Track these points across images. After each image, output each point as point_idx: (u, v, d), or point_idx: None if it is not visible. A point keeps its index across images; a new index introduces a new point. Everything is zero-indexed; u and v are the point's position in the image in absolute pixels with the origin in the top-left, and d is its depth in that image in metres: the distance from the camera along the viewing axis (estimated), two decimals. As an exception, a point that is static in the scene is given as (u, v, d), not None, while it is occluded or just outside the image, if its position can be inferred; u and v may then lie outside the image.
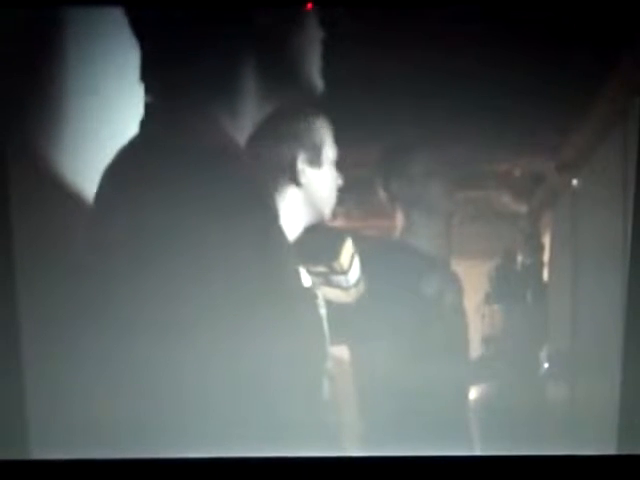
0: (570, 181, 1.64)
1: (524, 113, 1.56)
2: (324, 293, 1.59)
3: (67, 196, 1.53)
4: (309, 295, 1.58)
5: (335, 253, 1.59)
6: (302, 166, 1.57)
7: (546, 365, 1.66)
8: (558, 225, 1.66)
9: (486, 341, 1.66)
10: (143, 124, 1.51)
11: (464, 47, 1.54)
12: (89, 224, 1.52)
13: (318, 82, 1.54)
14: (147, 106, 1.52)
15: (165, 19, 1.52)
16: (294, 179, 1.57)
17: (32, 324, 1.56)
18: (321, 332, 1.58)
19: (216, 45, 1.52)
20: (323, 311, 1.59)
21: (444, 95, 1.56)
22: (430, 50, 1.55)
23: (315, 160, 1.58)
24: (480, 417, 1.67)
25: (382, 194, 1.65)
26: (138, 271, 1.49)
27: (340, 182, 1.60)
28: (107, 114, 1.54)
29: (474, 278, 1.65)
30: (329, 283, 1.60)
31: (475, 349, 1.65)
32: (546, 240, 1.66)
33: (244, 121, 1.53)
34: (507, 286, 1.64)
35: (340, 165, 1.60)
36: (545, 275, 1.66)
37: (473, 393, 1.68)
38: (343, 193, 1.61)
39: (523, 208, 1.64)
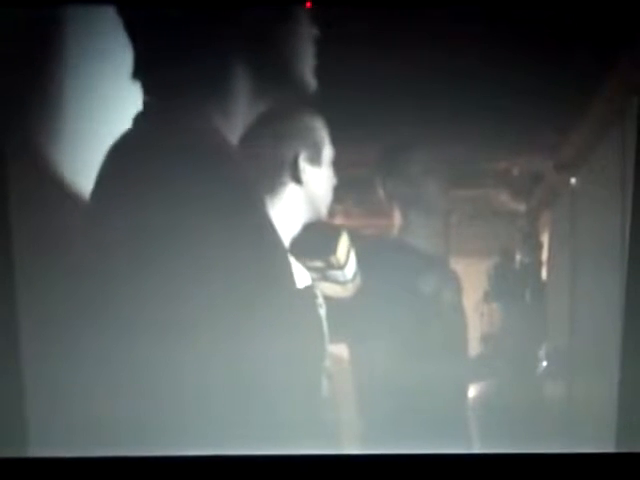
0: (568, 180, 1.65)
1: (523, 112, 1.56)
2: (321, 289, 1.59)
3: (66, 195, 1.53)
4: (307, 292, 1.58)
5: (331, 248, 1.59)
6: (303, 164, 1.58)
7: (544, 363, 1.66)
8: (556, 224, 1.67)
9: (485, 339, 1.66)
10: (138, 123, 1.51)
11: (463, 46, 1.54)
12: (86, 224, 1.52)
13: (311, 81, 1.54)
14: (142, 105, 1.52)
15: (159, 18, 1.52)
16: (295, 177, 1.58)
17: (31, 322, 1.56)
18: (319, 330, 1.58)
19: (209, 44, 1.52)
20: (321, 308, 1.60)
21: (443, 94, 1.56)
22: (429, 49, 1.55)
23: (315, 158, 1.59)
24: (479, 415, 1.67)
25: (381, 193, 1.65)
26: (136, 271, 1.49)
27: (339, 180, 1.61)
28: (106, 113, 1.54)
29: (473, 277, 1.65)
30: (326, 278, 1.60)
31: (474, 347, 1.66)
32: (544, 239, 1.66)
33: (237, 120, 1.54)
34: (505, 285, 1.65)
35: (339, 164, 1.60)
36: (543, 274, 1.66)
37: (472, 391, 1.68)
38: (342, 191, 1.61)
39: (521, 207, 1.64)
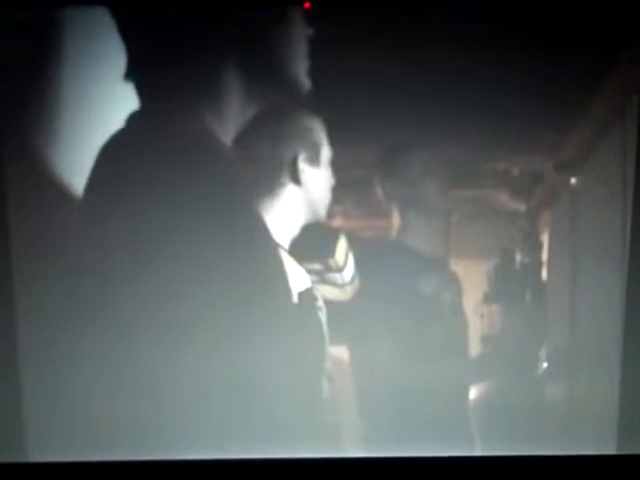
0: (569, 180, 1.64)
1: (522, 112, 1.55)
2: (320, 291, 1.59)
3: (64, 196, 1.53)
4: (306, 294, 1.58)
5: (330, 250, 1.59)
6: (302, 165, 1.57)
7: (545, 364, 1.65)
8: (557, 224, 1.66)
9: (485, 340, 1.65)
10: (131, 125, 1.51)
11: (463, 46, 1.54)
12: (82, 225, 1.52)
13: (306, 82, 1.54)
14: (136, 106, 1.52)
15: (153, 19, 1.51)
16: (294, 178, 1.57)
17: (30, 326, 1.55)
18: (319, 332, 1.58)
19: (202, 45, 1.52)
20: (321, 311, 1.59)
21: (442, 94, 1.56)
22: (429, 49, 1.55)
23: (314, 159, 1.58)
24: (479, 417, 1.67)
25: (380, 193, 1.65)
26: (134, 273, 1.49)
27: (338, 181, 1.60)
28: (105, 114, 1.53)
29: (473, 277, 1.64)
30: (325, 281, 1.60)
31: (474, 349, 1.65)
32: (544, 239, 1.65)
33: (231, 121, 1.53)
34: (506, 285, 1.64)
35: (338, 164, 1.59)
36: (544, 274, 1.65)
37: (472, 393, 1.67)
38: (341, 192, 1.61)
39: (522, 207, 1.64)
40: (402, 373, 1.62)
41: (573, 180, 1.64)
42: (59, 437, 1.57)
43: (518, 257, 1.65)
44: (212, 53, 1.52)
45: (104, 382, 1.54)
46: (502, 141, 1.61)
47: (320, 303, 1.59)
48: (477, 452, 1.63)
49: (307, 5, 1.55)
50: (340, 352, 1.63)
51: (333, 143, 1.59)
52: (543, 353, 1.66)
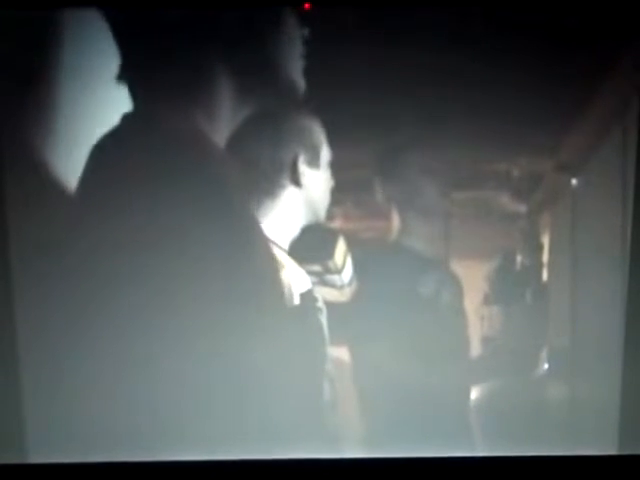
0: (569, 181, 1.64)
1: (523, 113, 1.55)
2: (319, 292, 1.59)
3: (63, 197, 1.53)
4: (306, 296, 1.58)
5: (329, 252, 1.59)
6: (302, 167, 1.57)
7: (546, 365, 1.65)
8: (557, 225, 1.66)
9: (486, 341, 1.65)
10: (123, 125, 1.51)
11: (463, 47, 1.54)
12: (79, 225, 1.51)
13: (300, 83, 1.53)
14: (129, 107, 1.52)
15: (145, 19, 1.51)
16: (294, 180, 1.57)
17: (30, 326, 1.55)
18: (320, 334, 1.58)
19: (193, 45, 1.51)
20: (321, 312, 1.59)
21: (442, 95, 1.56)
22: (429, 50, 1.55)
23: (314, 161, 1.58)
24: (480, 418, 1.67)
25: (380, 195, 1.64)
26: (134, 273, 1.49)
27: (338, 183, 1.60)
28: (104, 114, 1.53)
29: (473, 278, 1.64)
30: (323, 282, 1.60)
31: (475, 349, 1.65)
32: (545, 240, 1.65)
33: (222, 121, 1.53)
34: (506, 286, 1.64)
35: (338, 166, 1.59)
36: (544, 275, 1.65)
37: (473, 394, 1.67)
38: (341, 194, 1.61)
39: (522, 208, 1.64)
40: (403, 374, 1.62)
41: (573, 181, 1.64)
42: (59, 438, 1.57)
43: (518, 258, 1.64)
44: (203, 53, 1.51)
45: (104, 383, 1.54)
46: (502, 142, 1.61)
47: (320, 304, 1.59)
48: (478, 453, 1.63)
49: (307, 6, 1.56)
50: (341, 353, 1.63)
51: (333, 144, 1.59)
52: (544, 354, 1.66)
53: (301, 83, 1.53)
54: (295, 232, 1.60)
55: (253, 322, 1.51)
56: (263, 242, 1.54)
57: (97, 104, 1.54)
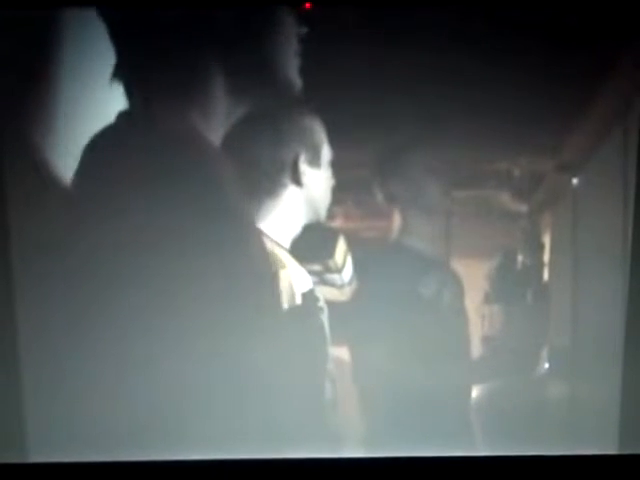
0: (570, 180, 1.64)
1: (524, 112, 1.55)
2: (319, 292, 1.59)
3: (63, 196, 1.52)
4: (308, 295, 1.58)
5: (329, 251, 1.59)
6: (303, 166, 1.57)
7: (547, 365, 1.65)
8: (558, 224, 1.66)
9: (486, 341, 1.65)
10: (117, 123, 1.51)
11: (464, 46, 1.53)
12: (78, 224, 1.51)
13: (295, 81, 1.53)
14: (125, 105, 1.52)
15: (142, 19, 1.51)
16: (295, 179, 1.57)
17: (30, 326, 1.55)
18: (321, 333, 1.58)
19: (187, 43, 1.51)
20: (322, 311, 1.59)
21: (443, 94, 1.55)
22: (429, 49, 1.54)
23: (315, 160, 1.58)
24: (481, 417, 1.67)
25: (381, 194, 1.64)
26: (134, 273, 1.49)
27: (339, 182, 1.60)
28: (103, 114, 1.53)
29: (473, 278, 1.64)
30: (324, 282, 1.60)
31: (475, 349, 1.65)
32: (546, 239, 1.65)
33: (217, 119, 1.52)
34: (507, 286, 1.64)
35: (339, 165, 1.59)
36: (545, 274, 1.65)
37: (474, 393, 1.67)
38: (342, 193, 1.61)
39: (523, 207, 1.64)
40: (403, 373, 1.62)
41: (574, 181, 1.64)
42: (59, 438, 1.57)
43: (519, 257, 1.64)
44: (200, 53, 1.51)
45: (104, 383, 1.54)
46: (503, 141, 1.61)
47: (321, 304, 1.59)
48: (479, 452, 1.63)
49: (308, 5, 1.55)
50: (341, 353, 1.63)
51: (334, 144, 1.58)
52: (544, 353, 1.66)
53: (300, 82, 1.53)
54: (296, 231, 1.60)
55: (254, 322, 1.51)
56: (262, 241, 1.54)
57: (98, 104, 1.53)
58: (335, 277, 1.60)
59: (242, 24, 1.51)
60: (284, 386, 1.55)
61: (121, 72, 1.51)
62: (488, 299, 1.65)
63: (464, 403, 1.67)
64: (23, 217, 1.54)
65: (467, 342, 1.65)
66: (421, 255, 1.66)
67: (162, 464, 1.54)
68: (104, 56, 1.52)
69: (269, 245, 1.54)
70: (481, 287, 1.64)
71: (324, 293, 1.59)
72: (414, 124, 1.58)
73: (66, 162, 1.53)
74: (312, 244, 1.60)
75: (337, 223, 1.62)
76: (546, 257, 1.65)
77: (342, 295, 1.61)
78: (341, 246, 1.60)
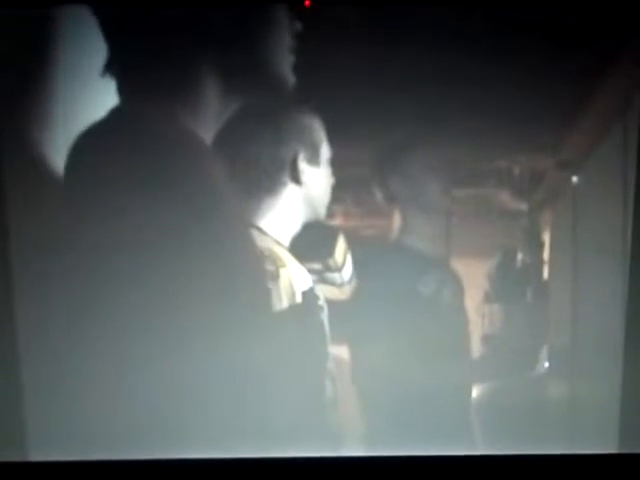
0: (570, 178, 1.64)
1: (524, 111, 1.55)
2: (319, 291, 1.59)
3: (60, 196, 1.53)
4: (307, 293, 1.58)
5: (329, 250, 1.59)
6: (302, 165, 1.57)
7: (547, 364, 1.65)
8: (558, 223, 1.66)
9: (486, 340, 1.65)
10: (110, 123, 1.51)
11: (464, 45, 1.54)
12: (75, 224, 1.51)
13: (288, 78, 1.52)
14: (115, 103, 1.52)
15: (131, 16, 1.51)
16: (294, 178, 1.57)
17: (30, 325, 1.55)
18: (321, 332, 1.58)
19: (178, 41, 1.51)
20: (322, 310, 1.59)
21: (443, 93, 1.55)
22: (429, 48, 1.54)
23: (314, 159, 1.58)
24: (481, 416, 1.67)
25: (380, 193, 1.65)
26: (132, 273, 1.48)
27: (338, 181, 1.60)
28: (101, 112, 1.53)
29: (473, 277, 1.64)
30: (324, 280, 1.60)
31: (476, 348, 1.65)
32: (546, 238, 1.65)
33: (211, 119, 1.52)
34: (507, 285, 1.64)
35: (338, 163, 1.59)
36: (545, 273, 1.65)
37: (474, 392, 1.67)
38: (341, 192, 1.61)
39: (523, 206, 1.64)
40: (403, 372, 1.61)
41: (574, 179, 1.64)
42: (59, 436, 1.57)
43: (519, 256, 1.64)
44: (191, 50, 1.51)
45: (104, 381, 1.54)
46: (503, 140, 1.61)
47: (321, 302, 1.59)
48: (479, 451, 1.63)
49: (307, 3, 1.55)
50: (341, 351, 1.63)
51: (334, 143, 1.58)
52: (544, 352, 1.66)
53: (296, 80, 1.53)
54: (295, 230, 1.60)
55: (254, 321, 1.51)
56: (261, 239, 1.54)
57: (97, 102, 1.53)
58: (335, 276, 1.60)
59: (237, 22, 1.50)
60: (284, 385, 1.55)
61: (112, 70, 1.51)
62: (488, 298, 1.65)
63: (464, 402, 1.67)
64: (22, 216, 1.54)
65: (467, 341, 1.65)
66: (421, 254, 1.66)
67: (162, 463, 1.54)
68: (103, 54, 1.52)
69: (268, 243, 1.54)
70: (481, 286, 1.64)
71: (324, 292, 1.59)
72: (414, 123, 1.59)
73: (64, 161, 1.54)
74: (312, 243, 1.60)
75: (337, 222, 1.62)
76: (546, 256, 1.65)
77: (342, 294, 1.61)
78: (341, 245, 1.60)
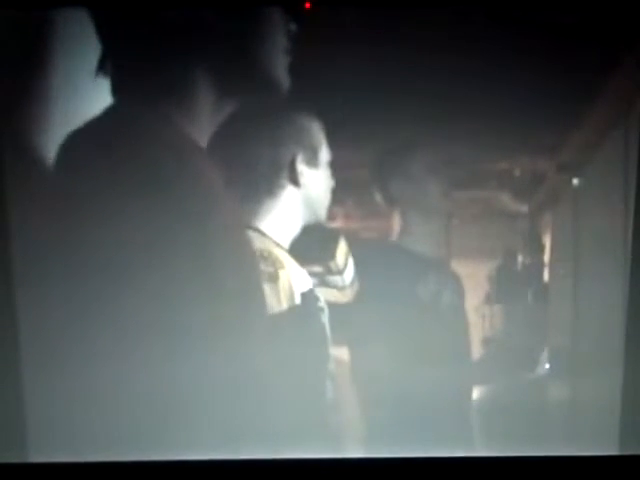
0: (571, 181, 1.64)
1: (524, 113, 1.55)
2: (321, 294, 1.59)
3: (57, 196, 1.53)
4: (307, 295, 1.58)
5: (330, 253, 1.59)
6: (300, 167, 1.57)
7: (547, 365, 1.65)
8: (559, 225, 1.66)
9: (487, 342, 1.65)
10: (102, 123, 1.50)
11: (465, 46, 1.53)
12: (69, 225, 1.52)
13: (283, 79, 1.52)
14: (105, 106, 1.51)
15: (124, 17, 1.51)
16: (293, 180, 1.57)
17: (30, 326, 1.55)
18: (322, 333, 1.58)
19: (171, 44, 1.51)
20: (322, 311, 1.59)
21: (443, 95, 1.55)
22: (429, 49, 1.54)
23: (312, 160, 1.58)
24: (482, 418, 1.67)
25: (380, 195, 1.64)
26: (133, 273, 1.49)
27: (338, 183, 1.60)
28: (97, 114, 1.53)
29: (474, 279, 1.64)
30: (325, 283, 1.59)
31: (476, 350, 1.65)
32: (546, 240, 1.65)
33: (203, 120, 1.52)
34: (507, 286, 1.64)
35: (338, 165, 1.59)
36: (545, 275, 1.65)
37: (474, 394, 1.67)
38: (341, 194, 1.60)
39: (523, 208, 1.64)
40: (404, 374, 1.61)
41: (575, 181, 1.64)
42: (59, 438, 1.57)
43: (519, 258, 1.64)
44: (183, 51, 1.50)
45: (104, 383, 1.54)
46: (504, 142, 1.61)
47: (322, 304, 1.59)
48: (480, 453, 1.63)
49: (307, 5, 1.55)
50: (342, 353, 1.63)
51: (334, 144, 1.58)
52: (545, 354, 1.65)
53: (291, 82, 1.52)
54: (295, 232, 1.60)
55: (254, 322, 1.51)
56: (261, 241, 1.54)
57: (96, 104, 1.53)
58: (336, 279, 1.59)
59: (232, 24, 1.50)
60: (284, 386, 1.55)
61: (107, 72, 1.51)
62: (489, 300, 1.65)
63: (464, 404, 1.67)
64: (23, 217, 1.54)
65: (468, 343, 1.65)
66: (421, 256, 1.66)
67: (162, 464, 1.54)
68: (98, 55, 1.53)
69: (268, 245, 1.54)
70: (482, 288, 1.64)
71: (325, 295, 1.59)
72: (414, 124, 1.58)
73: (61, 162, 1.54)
74: (313, 245, 1.60)
75: (337, 224, 1.62)
76: (546, 258, 1.65)
77: (343, 297, 1.60)
78: (342, 248, 1.60)
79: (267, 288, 1.51)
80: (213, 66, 1.50)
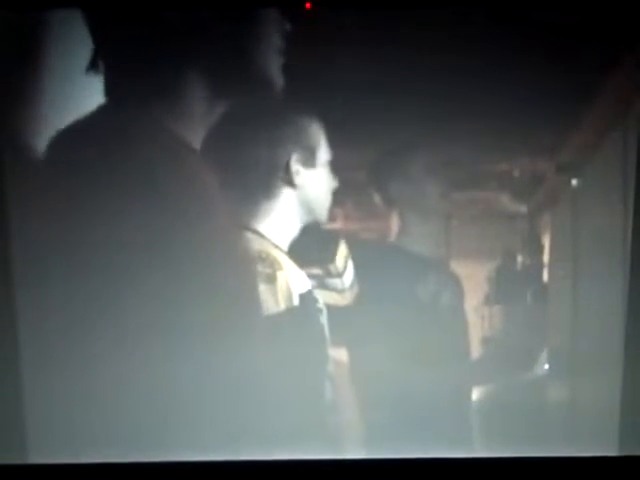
0: (570, 182, 1.63)
1: (524, 113, 1.55)
2: (320, 296, 1.59)
3: (61, 196, 1.53)
4: (306, 296, 1.58)
5: (330, 255, 1.59)
6: (296, 167, 1.56)
7: (546, 366, 1.65)
8: (558, 225, 1.66)
9: (486, 342, 1.65)
10: (95, 124, 1.50)
11: (464, 47, 1.53)
12: (67, 225, 1.52)
13: (277, 80, 1.52)
14: (99, 107, 1.51)
15: (117, 18, 1.51)
16: (288, 181, 1.56)
17: (30, 327, 1.55)
18: (321, 335, 1.58)
19: (164, 44, 1.50)
20: (321, 313, 1.59)
21: (442, 95, 1.55)
22: (429, 49, 1.54)
23: (309, 161, 1.57)
24: (481, 418, 1.67)
25: (379, 196, 1.64)
26: (133, 274, 1.49)
27: (336, 184, 1.59)
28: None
29: (473, 279, 1.64)
30: (324, 286, 1.59)
31: (475, 350, 1.65)
32: (546, 241, 1.65)
33: (196, 121, 1.51)
34: (507, 287, 1.64)
35: (336, 166, 1.59)
36: (545, 276, 1.65)
37: (474, 395, 1.67)
38: (340, 195, 1.60)
39: (522, 209, 1.63)
40: (403, 375, 1.61)
41: (574, 182, 1.64)
42: (59, 438, 1.57)
43: (519, 259, 1.64)
44: (176, 52, 1.50)
45: (104, 384, 1.54)
46: (503, 143, 1.61)
47: (321, 305, 1.59)
48: (479, 454, 1.63)
49: (308, 5, 1.55)
50: (341, 354, 1.63)
51: (333, 145, 1.58)
52: (544, 354, 1.65)
53: (278, 80, 1.52)
54: (294, 233, 1.59)
55: (253, 324, 1.52)
56: (259, 243, 1.54)
57: (92, 104, 1.53)
58: (336, 282, 1.59)
59: (225, 24, 1.50)
60: (284, 388, 1.55)
61: (99, 73, 1.50)
62: (488, 300, 1.64)
63: (464, 405, 1.67)
64: (23, 216, 1.54)
65: (467, 344, 1.65)
66: (421, 257, 1.66)
67: (162, 465, 1.54)
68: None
69: (265, 246, 1.54)
70: (481, 288, 1.64)
71: (324, 297, 1.59)
72: (413, 125, 1.58)
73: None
74: (313, 248, 1.59)
75: (337, 226, 1.61)
76: (546, 258, 1.65)
77: (343, 300, 1.60)
78: (342, 250, 1.60)
79: (265, 289, 1.51)
80: (208, 67, 1.50)
